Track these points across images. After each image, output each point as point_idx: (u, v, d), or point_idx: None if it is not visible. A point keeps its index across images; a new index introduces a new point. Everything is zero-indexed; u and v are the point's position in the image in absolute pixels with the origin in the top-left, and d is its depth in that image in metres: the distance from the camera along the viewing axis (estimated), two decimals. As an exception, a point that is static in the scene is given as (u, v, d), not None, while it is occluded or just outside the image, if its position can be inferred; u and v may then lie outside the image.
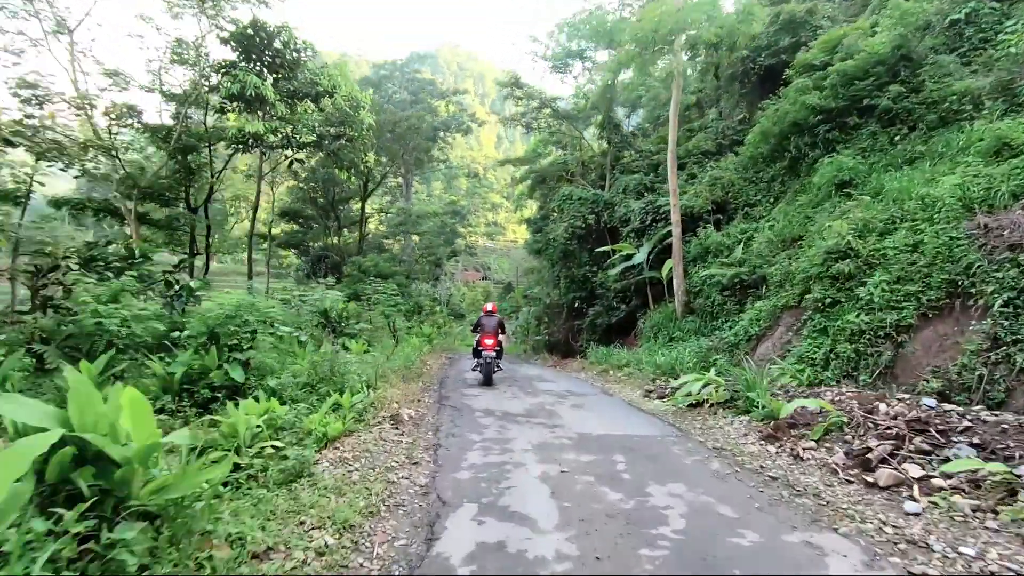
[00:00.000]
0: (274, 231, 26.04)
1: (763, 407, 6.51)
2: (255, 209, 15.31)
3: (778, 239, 11.86)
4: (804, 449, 5.22)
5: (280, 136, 12.63)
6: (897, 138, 11.05)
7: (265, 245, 24.83)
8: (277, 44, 12.98)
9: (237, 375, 5.83)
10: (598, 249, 16.64)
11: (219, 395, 5.70)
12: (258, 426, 4.59)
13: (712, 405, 7.44)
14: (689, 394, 7.72)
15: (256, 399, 5.18)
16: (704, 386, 7.55)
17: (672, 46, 14.66)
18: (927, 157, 9.87)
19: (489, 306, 11.70)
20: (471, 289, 74.23)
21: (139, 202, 13.32)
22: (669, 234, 15.34)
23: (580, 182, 24.90)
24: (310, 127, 12.85)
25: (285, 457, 4.20)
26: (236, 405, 5.06)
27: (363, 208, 23.51)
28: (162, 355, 5.92)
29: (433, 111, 32.51)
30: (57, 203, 13.69)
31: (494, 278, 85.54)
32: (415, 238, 30.74)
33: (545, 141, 35.13)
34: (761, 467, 5.09)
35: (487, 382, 10.49)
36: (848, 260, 8.57)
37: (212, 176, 14.53)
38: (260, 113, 12.86)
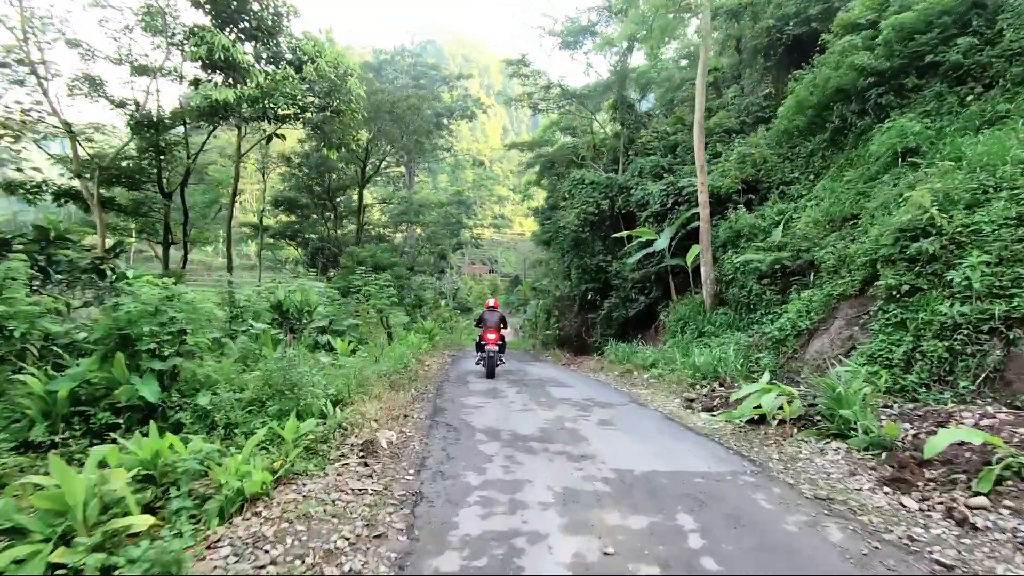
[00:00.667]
0: (270, 221, 24.63)
1: (866, 431, 4.93)
2: (234, 194, 13.86)
3: (825, 219, 10.26)
4: (971, 509, 3.54)
5: (257, 107, 11.16)
6: (969, 98, 9.38)
7: (263, 236, 23.51)
8: (255, 5, 11.46)
9: (149, 392, 4.23)
10: (615, 235, 15.12)
11: (125, 420, 4.17)
12: (132, 480, 3.01)
13: (781, 422, 5.87)
14: (758, 407, 6.09)
15: (178, 425, 3.78)
16: (777, 397, 5.92)
17: (693, 9, 13.08)
18: (1016, 116, 8.22)
19: (491, 302, 11.81)
20: (478, 282, 72.70)
21: (105, 185, 11.93)
22: (693, 217, 13.77)
23: (592, 166, 23.31)
24: (289, 96, 11.34)
25: (133, 561, 2.41)
26: (145, 433, 3.63)
27: (361, 195, 22.07)
28: (47, 365, 4.52)
29: (437, 97, 30.98)
30: (9, 187, 12.33)
31: (501, 271, 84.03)
32: (419, 230, 29.26)
33: (554, 126, 33.55)
34: (910, 539, 3.35)
35: (490, 375, 10.71)
36: (931, 239, 6.97)
37: (189, 158, 13.13)
38: (233, 82, 11.38)
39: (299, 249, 26.63)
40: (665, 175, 17.53)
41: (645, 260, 15.05)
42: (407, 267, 21.92)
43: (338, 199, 24.19)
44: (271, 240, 24.95)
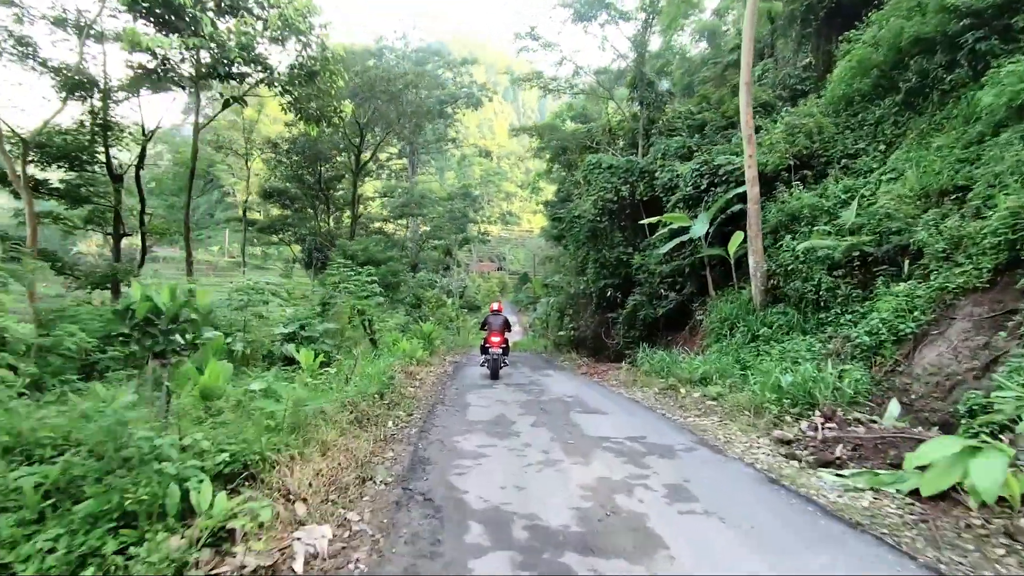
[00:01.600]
0: (256, 215, 22.68)
1: None
2: (191, 175, 11.86)
3: (916, 194, 8.11)
4: None
5: (206, 64, 9.23)
6: (1115, 32, 7.19)
7: (252, 231, 21.60)
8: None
9: None
10: (642, 221, 13.03)
11: None
12: None
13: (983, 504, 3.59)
14: (936, 469, 3.85)
15: None
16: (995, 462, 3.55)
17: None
18: None
19: (495, 305, 11.93)
20: (486, 280, 70.74)
21: (37, 164, 10.11)
22: (734, 200, 11.65)
23: (607, 151, 21.20)
24: (243, 49, 9.33)
25: None
26: None
27: (355, 184, 20.17)
28: None
29: (441, 84, 28.99)
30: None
31: (509, 268, 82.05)
32: (423, 227, 27.29)
33: (563, 115, 31.43)
34: None
35: (494, 376, 10.69)
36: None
37: (144, 134, 11.30)
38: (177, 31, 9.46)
39: (295, 246, 24.79)
40: (694, 155, 15.41)
41: (676, 251, 12.96)
42: (411, 264, 19.99)
43: (332, 190, 22.27)
44: (261, 236, 23.09)
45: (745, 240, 10.94)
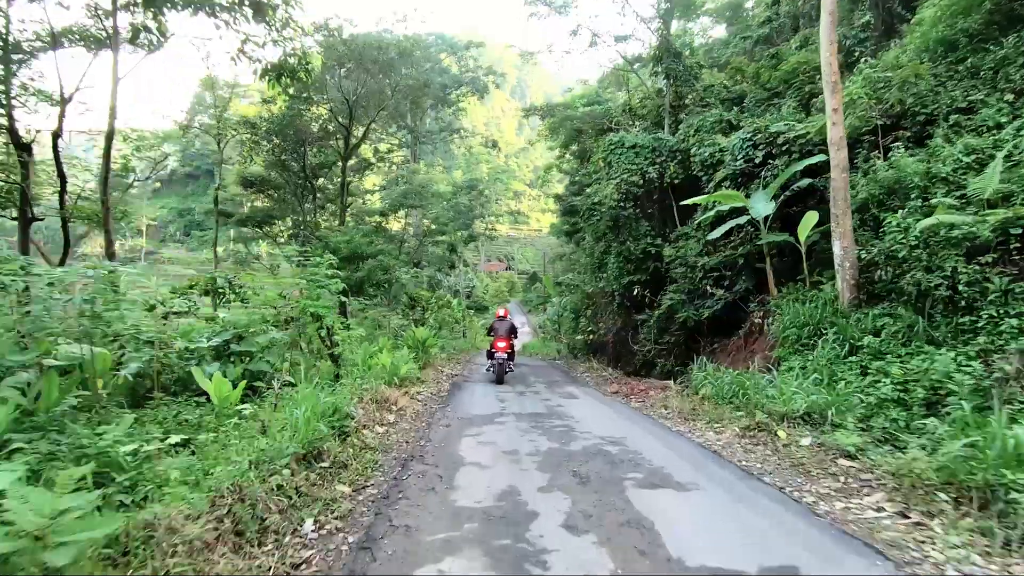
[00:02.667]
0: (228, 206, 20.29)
1: None
2: (109, 138, 9.57)
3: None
4: None
5: None
6: None
7: (230, 224, 19.31)
8: None
9: None
10: (685, 202, 10.57)
11: None
12: None
13: None
14: None
15: None
16: None
17: None
18: None
19: (501, 311, 12.07)
20: (494, 280, 68.47)
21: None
22: (800, 175, 9.22)
23: (628, 132, 18.77)
24: None
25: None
26: None
27: (344, 170, 17.84)
28: None
29: (444, 70, 26.73)
30: None
31: (518, 268, 79.74)
32: (426, 221, 24.98)
33: (577, 101, 29.01)
34: None
35: (499, 380, 10.77)
36: None
37: (64, 98, 9.11)
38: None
39: (289, 246, 22.55)
40: (737, 129, 12.97)
41: (722, 240, 10.53)
42: (404, 259, 17.68)
43: (320, 179, 19.95)
44: (246, 231, 20.90)
45: (821, 222, 8.50)
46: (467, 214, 28.07)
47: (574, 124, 21.25)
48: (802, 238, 8.65)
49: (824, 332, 7.22)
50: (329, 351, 6.04)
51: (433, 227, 25.18)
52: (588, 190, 16.40)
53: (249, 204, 20.57)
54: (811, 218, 8.54)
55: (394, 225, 28.51)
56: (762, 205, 8.94)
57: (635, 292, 13.58)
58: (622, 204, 14.21)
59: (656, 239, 14.03)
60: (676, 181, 14.01)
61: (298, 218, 19.10)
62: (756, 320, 9.30)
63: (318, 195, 19.19)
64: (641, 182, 14.07)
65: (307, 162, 18.02)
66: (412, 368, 8.94)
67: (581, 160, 32.29)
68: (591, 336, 16.30)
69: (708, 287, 10.60)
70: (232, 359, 5.65)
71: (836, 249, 7.72)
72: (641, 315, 13.71)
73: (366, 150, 24.97)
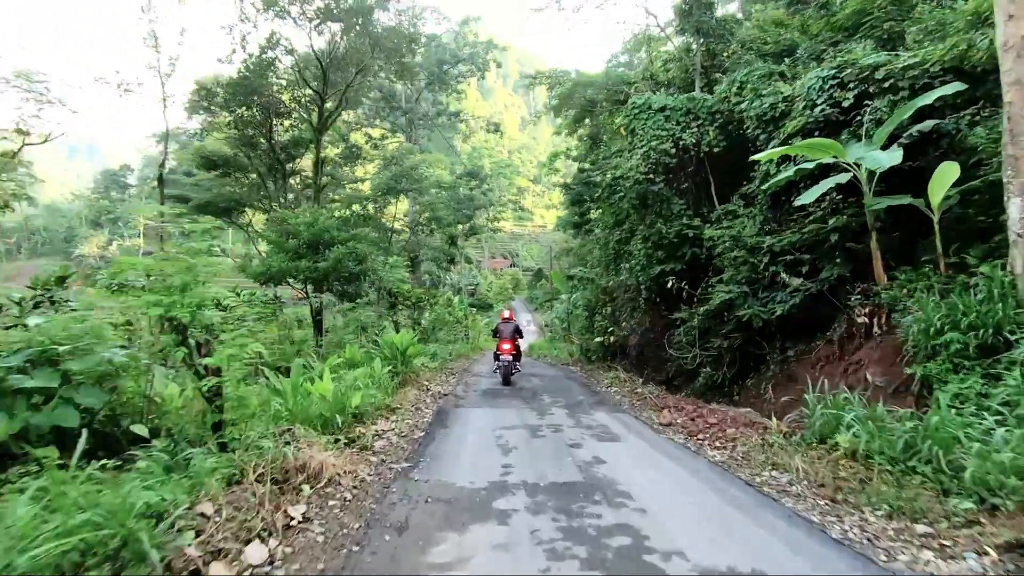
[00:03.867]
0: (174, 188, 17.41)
1: None
2: None
3: None
4: None
5: None
6: None
7: (186, 209, 16.63)
8: None
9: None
10: (755, 157, 7.80)
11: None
12: None
13: None
14: None
15: None
16: None
17: None
18: None
19: (506, 313, 12.03)
20: (498, 277, 65.79)
21: None
22: (917, 118, 6.52)
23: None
24: None
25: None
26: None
27: (318, 143, 15.13)
28: None
29: (440, 46, 24.11)
30: None
31: (523, 265, 77.02)
32: (418, 207, 22.30)
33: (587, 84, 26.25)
34: None
35: (505, 382, 10.62)
36: None
37: None
38: None
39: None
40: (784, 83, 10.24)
41: (797, 214, 7.83)
42: (393, 250, 15.05)
43: (297, 160, 17.24)
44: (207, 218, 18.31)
45: (971, 176, 5.81)
46: (468, 204, 25.39)
47: (586, 95, 18.51)
48: (935, 201, 5.93)
49: (1015, 339, 4.50)
50: (202, 381, 3.48)
51: (428, 215, 22.39)
52: (610, 165, 13.70)
53: (216, 190, 17.91)
54: (948, 172, 5.82)
55: (399, 224, 25.94)
56: (879, 155, 6.20)
57: (668, 284, 10.87)
58: (650, 177, 11.52)
59: (693, 219, 11.32)
60: (716, 149, 11.31)
61: (269, 204, 16.36)
62: (860, 319, 6.57)
63: (293, 178, 16.48)
64: (673, 150, 11.40)
65: (275, 138, 15.36)
66: (374, 396, 6.23)
67: (592, 144, 29.59)
68: (610, 339, 13.62)
69: (780, 275, 7.86)
70: (21, 396, 3.09)
71: (1013, 211, 5.01)
72: (676, 312, 11.01)
73: (357, 136, 22.34)
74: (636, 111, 12.29)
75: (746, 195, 10.78)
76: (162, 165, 15.14)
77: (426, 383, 9.32)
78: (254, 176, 16.61)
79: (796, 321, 7.77)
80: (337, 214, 14.20)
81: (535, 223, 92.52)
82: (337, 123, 22.26)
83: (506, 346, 10.71)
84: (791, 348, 7.92)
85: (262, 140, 15.40)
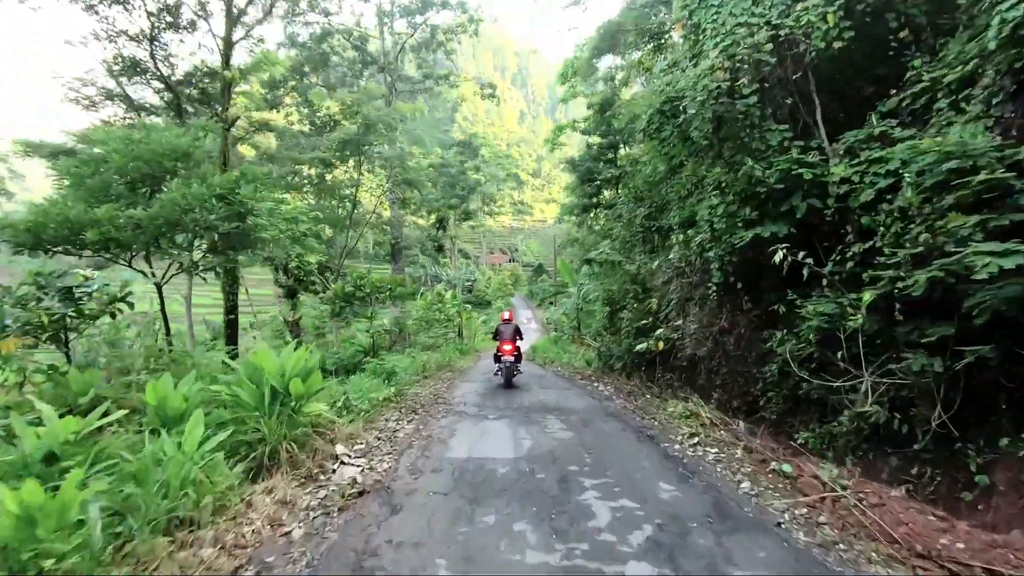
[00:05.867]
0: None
1: None
2: None
3: None
4: None
5: None
6: None
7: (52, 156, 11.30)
8: None
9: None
10: None
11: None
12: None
13: None
14: None
15: None
16: None
17: None
18: None
19: (506, 315, 11.88)
20: (497, 272, 61.28)
21: None
22: None
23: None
24: None
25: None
26: None
27: (225, 58, 10.41)
28: None
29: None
30: None
31: (522, 260, 72.54)
32: (397, 177, 17.62)
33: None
34: None
35: (508, 384, 10.54)
36: None
37: None
38: None
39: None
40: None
41: None
42: (339, 216, 10.42)
43: (200, 88, 12.23)
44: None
45: None
46: (460, 180, 20.92)
47: (611, 27, 13.92)
48: None
49: None
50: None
51: (401, 178, 17.59)
52: (654, 93, 9.27)
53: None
54: None
55: (366, 196, 21.35)
56: None
57: (780, 257, 6.33)
58: (731, 92, 7.07)
59: (807, 153, 6.81)
60: (836, 45, 6.83)
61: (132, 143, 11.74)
62: None
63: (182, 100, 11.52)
64: (770, 47, 6.95)
65: (173, 63, 10.80)
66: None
67: (601, 116, 25.10)
68: (660, 343, 9.07)
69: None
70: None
71: None
72: (775, 304, 6.55)
73: (318, 94, 17.82)
74: (700, -2, 7.86)
75: (894, 112, 6.46)
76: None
77: (321, 469, 4.67)
78: (155, 118, 11.97)
79: None
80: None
81: (535, 217, 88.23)
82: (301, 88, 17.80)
83: (507, 347, 10.71)
84: None
85: (160, 66, 10.85)
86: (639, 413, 7.74)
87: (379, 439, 6.07)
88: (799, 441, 6.20)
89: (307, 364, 4.72)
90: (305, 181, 14.98)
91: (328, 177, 15.05)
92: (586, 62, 15.91)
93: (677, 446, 6.13)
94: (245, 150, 21.65)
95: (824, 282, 6.09)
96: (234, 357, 8.45)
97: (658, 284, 11.14)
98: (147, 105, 11.95)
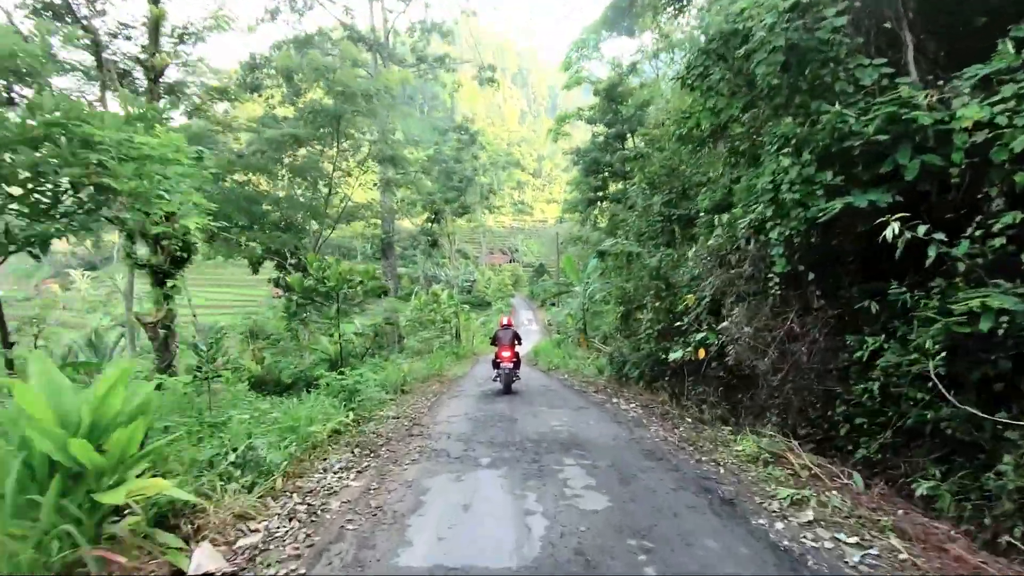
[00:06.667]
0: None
1: None
2: None
3: None
4: None
5: None
6: None
7: None
8: None
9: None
10: None
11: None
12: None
13: None
14: None
15: None
16: None
17: None
18: None
19: (505, 320, 11.71)
20: (497, 273, 59.31)
21: None
22: None
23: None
24: None
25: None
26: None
27: None
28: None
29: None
30: None
31: (523, 260, 70.63)
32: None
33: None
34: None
35: (506, 390, 10.43)
36: None
37: None
38: None
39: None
40: None
41: None
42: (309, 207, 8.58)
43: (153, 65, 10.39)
44: None
45: None
46: (456, 169, 19.08)
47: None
48: None
49: None
50: None
51: (386, 152, 15.61)
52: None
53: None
54: None
55: (360, 194, 19.51)
56: None
57: (893, 233, 4.42)
58: (809, 9, 5.22)
59: (919, 92, 4.92)
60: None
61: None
62: None
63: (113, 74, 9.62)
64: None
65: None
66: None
67: (608, 104, 23.30)
68: (700, 350, 7.14)
69: None
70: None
71: None
72: (861, 302, 4.68)
73: (285, 56, 15.95)
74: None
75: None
76: None
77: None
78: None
79: None
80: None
81: (535, 218, 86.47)
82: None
83: (506, 354, 10.59)
84: None
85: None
86: (689, 450, 5.75)
87: (292, 518, 3.76)
88: (919, 492, 4.34)
89: (131, 401, 2.77)
90: (277, 161, 13.11)
91: (299, 154, 13.12)
92: (596, 29, 14.05)
93: (779, 524, 3.71)
94: (238, 144, 19.66)
95: (962, 268, 4.22)
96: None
97: (683, 279, 9.28)
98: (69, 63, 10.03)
